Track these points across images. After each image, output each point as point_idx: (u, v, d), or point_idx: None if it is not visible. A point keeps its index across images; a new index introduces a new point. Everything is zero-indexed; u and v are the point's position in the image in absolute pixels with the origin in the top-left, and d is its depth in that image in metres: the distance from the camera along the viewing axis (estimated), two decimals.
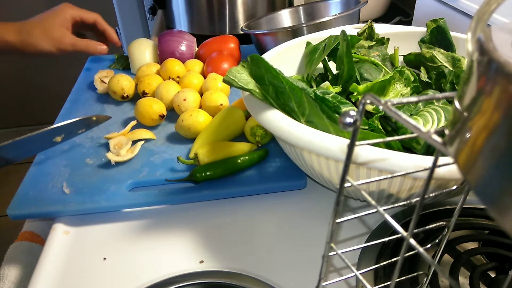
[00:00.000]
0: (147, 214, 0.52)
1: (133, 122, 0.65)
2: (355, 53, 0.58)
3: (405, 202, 0.28)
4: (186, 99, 0.66)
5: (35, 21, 0.73)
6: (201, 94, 0.70)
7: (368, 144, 0.24)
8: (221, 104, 0.66)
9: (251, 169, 0.56)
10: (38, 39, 0.71)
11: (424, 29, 0.64)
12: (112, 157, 0.57)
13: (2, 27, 0.71)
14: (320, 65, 0.60)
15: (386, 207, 0.26)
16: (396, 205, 0.28)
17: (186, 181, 0.54)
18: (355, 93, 0.50)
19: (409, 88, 0.52)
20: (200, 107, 0.68)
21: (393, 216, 0.49)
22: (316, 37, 0.62)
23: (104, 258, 0.47)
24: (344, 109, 0.46)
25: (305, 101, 0.44)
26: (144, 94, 0.72)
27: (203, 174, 0.53)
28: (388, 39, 0.63)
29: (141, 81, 0.72)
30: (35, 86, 2.23)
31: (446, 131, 0.19)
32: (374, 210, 0.26)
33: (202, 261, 0.46)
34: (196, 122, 0.61)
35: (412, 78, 0.53)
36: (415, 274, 0.39)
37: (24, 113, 2.32)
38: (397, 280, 0.30)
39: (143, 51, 0.84)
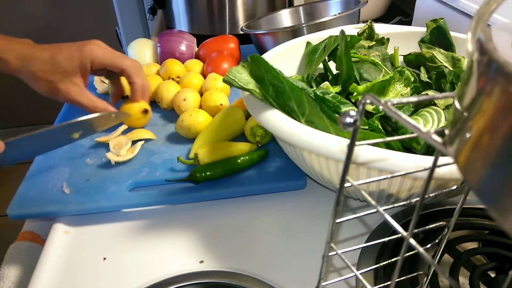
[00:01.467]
0: (147, 214, 0.52)
1: (124, 127, 0.65)
2: (355, 53, 0.58)
3: (405, 202, 0.28)
4: (186, 99, 0.66)
5: (46, 55, 0.55)
6: (201, 94, 0.70)
7: (368, 144, 0.24)
8: (221, 104, 0.66)
9: (251, 169, 0.56)
10: (40, 82, 0.56)
11: (424, 29, 0.64)
12: (112, 157, 0.57)
13: (7, 43, 0.55)
14: (320, 65, 0.60)
15: (386, 207, 0.27)
16: (396, 205, 0.28)
17: (186, 181, 0.54)
18: (355, 93, 0.50)
19: (409, 88, 0.52)
20: (200, 107, 0.68)
21: (393, 216, 0.49)
22: (316, 37, 0.62)
23: (104, 258, 0.47)
24: (344, 109, 0.46)
25: (305, 101, 0.44)
26: None
27: (203, 174, 0.53)
28: (388, 39, 0.63)
29: None
30: None
31: (446, 131, 0.19)
32: (374, 210, 0.26)
33: (202, 261, 0.46)
34: (196, 122, 0.61)
35: (412, 78, 0.53)
36: (415, 274, 0.39)
37: (24, 113, 2.32)
38: (397, 280, 0.30)
39: (143, 51, 0.84)
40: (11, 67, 0.55)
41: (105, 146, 0.62)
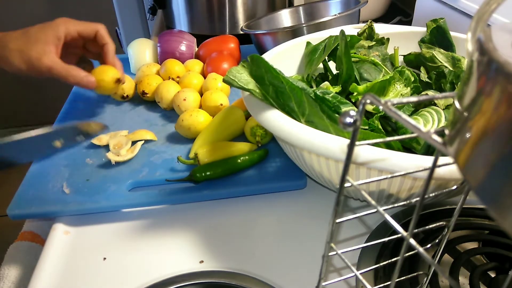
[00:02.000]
0: (147, 214, 0.52)
1: (125, 131, 0.64)
2: (355, 53, 0.58)
3: (405, 202, 0.28)
4: (186, 99, 0.66)
5: (19, 32, 0.58)
6: (201, 94, 0.70)
7: (368, 144, 0.24)
8: (221, 104, 0.66)
9: (251, 169, 0.56)
10: (12, 53, 0.57)
11: (424, 29, 0.64)
12: (112, 157, 0.57)
13: None
14: (320, 65, 0.60)
15: (386, 207, 0.27)
16: (396, 205, 0.28)
17: (186, 181, 0.54)
18: (355, 93, 0.50)
19: (409, 88, 0.52)
20: (200, 107, 0.68)
21: (393, 216, 0.49)
22: (316, 37, 0.62)
23: (104, 258, 0.47)
24: (344, 109, 0.46)
25: (305, 101, 0.44)
26: (144, 94, 0.72)
27: (203, 174, 0.53)
28: (388, 39, 0.63)
29: (141, 81, 0.72)
30: (35, 86, 2.23)
31: (446, 131, 0.19)
32: (374, 210, 0.26)
33: (202, 261, 0.46)
34: (196, 122, 0.61)
35: (412, 78, 0.53)
36: (415, 274, 0.39)
37: (25, 113, 2.32)
38: (397, 280, 0.30)
39: (143, 51, 0.84)
40: None
41: (105, 146, 0.62)
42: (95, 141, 0.61)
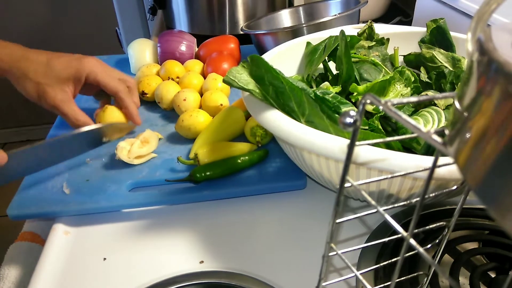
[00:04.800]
0: (147, 214, 0.52)
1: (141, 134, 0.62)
2: (355, 53, 0.58)
3: (405, 202, 0.28)
4: (186, 99, 0.66)
5: (42, 61, 0.56)
6: (201, 94, 0.70)
7: (368, 144, 0.24)
8: (221, 104, 0.66)
9: (251, 169, 0.56)
10: (30, 83, 0.56)
11: (424, 29, 0.64)
12: (126, 155, 0.56)
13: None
14: (320, 65, 0.60)
15: (386, 207, 0.26)
16: (396, 205, 0.28)
17: (186, 181, 0.54)
18: (355, 93, 0.50)
19: (409, 88, 0.52)
20: (200, 107, 0.68)
21: (393, 216, 0.49)
22: (316, 37, 0.62)
23: (104, 258, 0.47)
24: (344, 109, 0.46)
25: (305, 101, 0.44)
26: (143, 95, 0.72)
27: (203, 174, 0.53)
28: (388, 39, 0.63)
29: (141, 81, 0.72)
30: None
31: (446, 131, 0.19)
32: (374, 210, 0.26)
33: (202, 261, 0.46)
34: (196, 122, 0.61)
35: (412, 79, 0.53)
36: (415, 274, 0.39)
37: (24, 113, 2.32)
38: (397, 280, 0.30)
39: (143, 51, 0.83)
40: (0, 64, 0.56)
41: (105, 146, 0.61)
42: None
